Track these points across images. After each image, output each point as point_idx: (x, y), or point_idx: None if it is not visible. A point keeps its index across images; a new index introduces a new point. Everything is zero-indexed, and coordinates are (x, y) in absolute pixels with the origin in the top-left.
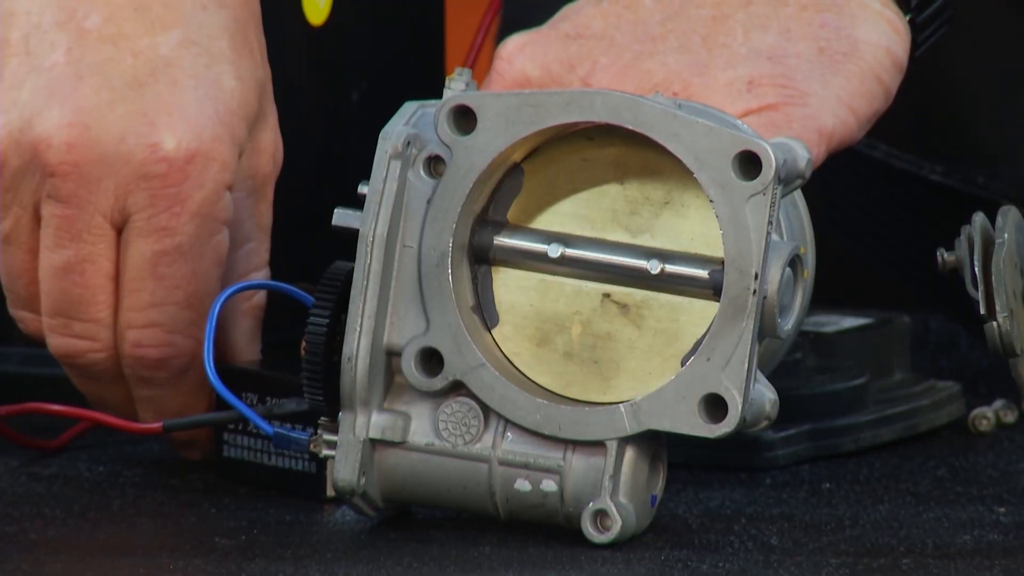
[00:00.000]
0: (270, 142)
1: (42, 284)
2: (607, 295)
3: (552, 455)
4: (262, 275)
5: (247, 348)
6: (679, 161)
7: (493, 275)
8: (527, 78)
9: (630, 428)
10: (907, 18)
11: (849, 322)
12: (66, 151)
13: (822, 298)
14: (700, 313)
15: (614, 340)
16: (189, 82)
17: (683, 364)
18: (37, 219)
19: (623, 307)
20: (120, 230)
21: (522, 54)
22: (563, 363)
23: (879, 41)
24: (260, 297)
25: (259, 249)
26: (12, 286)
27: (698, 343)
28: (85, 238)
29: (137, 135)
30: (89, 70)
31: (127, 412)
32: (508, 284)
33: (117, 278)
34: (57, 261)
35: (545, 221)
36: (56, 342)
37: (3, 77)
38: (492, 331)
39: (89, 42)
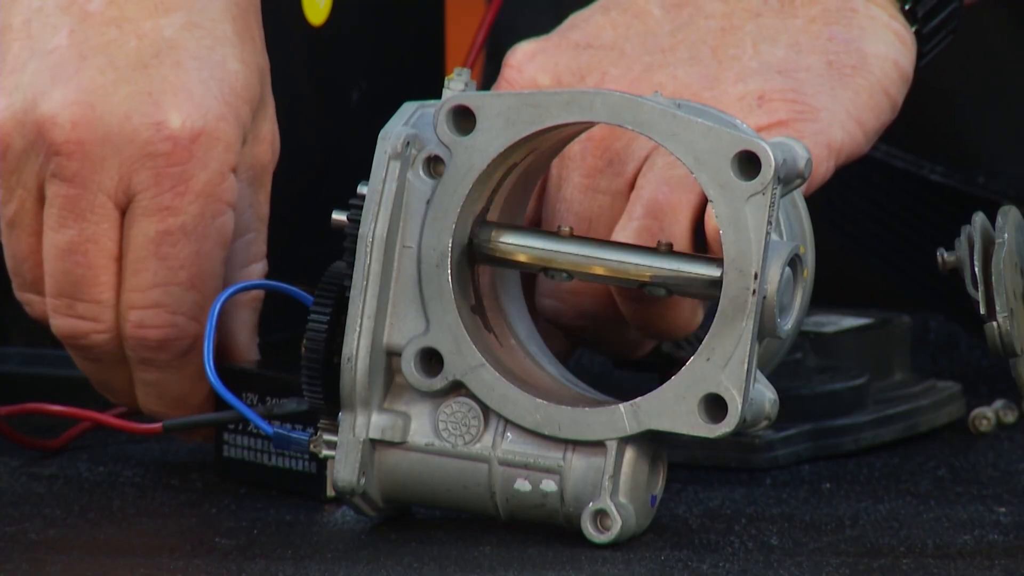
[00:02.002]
0: (269, 131)
1: (46, 265)
2: None
3: (552, 455)
4: (260, 266)
5: (246, 338)
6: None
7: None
8: (537, 87)
9: (630, 428)
10: (914, 29)
11: (849, 322)
12: (70, 129)
13: (822, 298)
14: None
15: None
16: (193, 63)
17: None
18: (41, 201)
19: None
20: (124, 210)
21: (532, 63)
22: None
23: (887, 54)
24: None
25: (257, 240)
26: (18, 269)
27: None
28: (88, 218)
29: (142, 114)
30: (92, 51)
31: (129, 397)
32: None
33: (120, 258)
34: (60, 241)
35: None
36: (59, 323)
37: (6, 61)
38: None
39: (92, 24)
